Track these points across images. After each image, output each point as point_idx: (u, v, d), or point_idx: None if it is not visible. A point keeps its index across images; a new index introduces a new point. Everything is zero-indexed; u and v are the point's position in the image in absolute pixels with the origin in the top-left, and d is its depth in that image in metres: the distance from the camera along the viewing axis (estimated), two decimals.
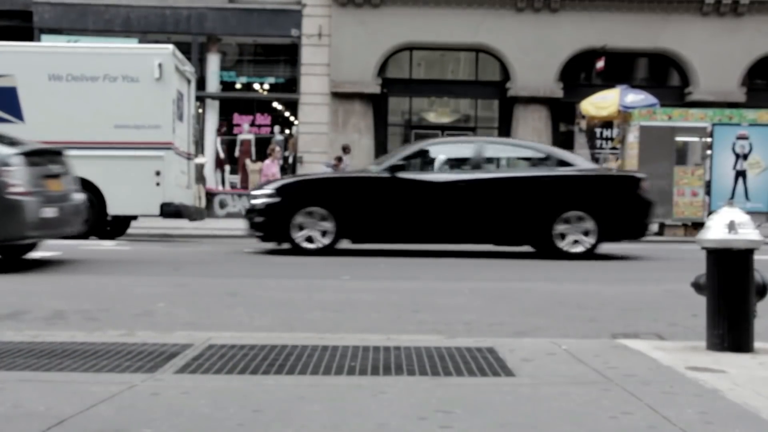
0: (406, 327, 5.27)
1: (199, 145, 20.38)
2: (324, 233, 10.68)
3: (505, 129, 23.05)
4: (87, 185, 13.49)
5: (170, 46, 14.25)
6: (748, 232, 3.98)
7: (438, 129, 23.48)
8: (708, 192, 16.46)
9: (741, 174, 16.65)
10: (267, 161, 18.42)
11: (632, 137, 16.91)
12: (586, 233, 10.74)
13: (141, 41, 21.25)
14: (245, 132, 23.28)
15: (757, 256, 4.06)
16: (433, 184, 10.91)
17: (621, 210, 10.96)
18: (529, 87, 22.31)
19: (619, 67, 22.55)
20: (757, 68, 22.84)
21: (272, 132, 23.19)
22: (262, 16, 22.60)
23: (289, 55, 23.38)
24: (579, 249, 10.73)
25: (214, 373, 3.55)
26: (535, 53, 22.11)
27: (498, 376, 3.53)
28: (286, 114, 24.21)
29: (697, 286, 4.20)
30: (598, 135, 23.34)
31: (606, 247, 11.19)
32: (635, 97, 17.93)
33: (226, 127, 23.46)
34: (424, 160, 11.48)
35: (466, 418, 2.84)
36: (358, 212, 10.77)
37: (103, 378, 3.43)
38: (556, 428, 2.75)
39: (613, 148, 21.71)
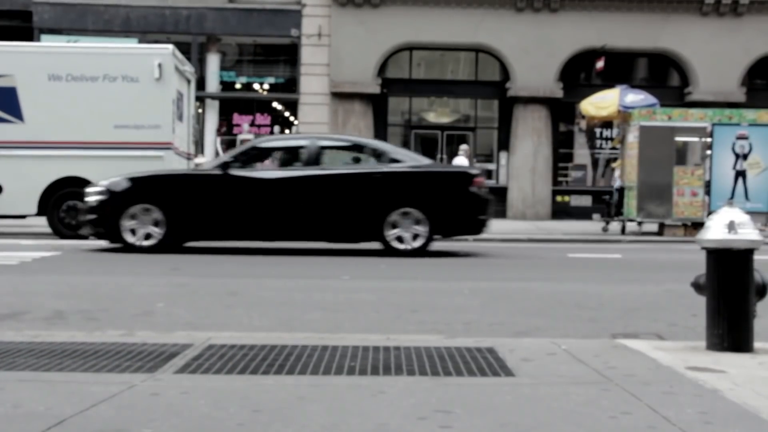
0: (405, 327, 5.27)
1: (199, 145, 20.39)
2: (156, 230, 10.60)
3: (504, 129, 23.05)
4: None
5: (170, 46, 14.24)
6: (748, 232, 3.99)
7: (438, 129, 23.48)
8: (708, 192, 16.46)
9: (741, 174, 16.64)
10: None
11: (632, 137, 16.90)
12: (417, 231, 10.68)
13: (141, 41, 21.24)
14: (245, 132, 23.26)
15: (756, 256, 4.07)
16: (265, 181, 10.87)
17: (452, 206, 10.86)
18: (528, 87, 22.30)
19: (619, 67, 22.54)
20: (756, 68, 22.84)
21: (272, 132, 23.17)
22: (261, 16, 22.60)
23: (289, 55, 23.37)
24: (411, 245, 10.66)
25: (213, 373, 3.55)
26: (535, 53, 22.11)
27: (498, 376, 3.54)
28: (286, 114, 24.20)
29: (696, 286, 4.20)
30: (598, 135, 23.33)
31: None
32: (635, 97, 17.91)
33: (226, 127, 23.46)
34: (258, 157, 11.46)
35: (466, 418, 2.84)
36: (190, 210, 10.72)
37: (103, 378, 3.43)
38: (556, 428, 2.75)
39: (613, 148, 21.71)
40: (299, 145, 11.64)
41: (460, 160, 18.18)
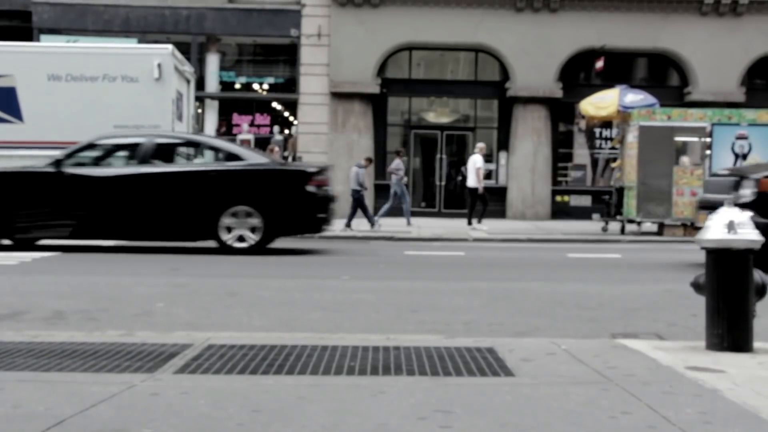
0: (405, 327, 5.27)
1: None
2: None
3: (504, 129, 23.04)
4: None
5: (169, 46, 14.24)
6: (748, 232, 3.99)
7: (437, 129, 23.46)
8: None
9: None
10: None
11: (631, 137, 16.89)
12: (253, 228, 10.57)
13: (140, 41, 21.23)
14: (244, 132, 23.26)
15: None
16: (98, 179, 10.72)
17: (288, 205, 10.71)
18: (528, 87, 22.29)
19: (619, 67, 22.52)
20: (756, 68, 22.82)
21: (271, 132, 23.17)
22: (261, 16, 22.59)
23: (289, 55, 23.36)
24: (245, 244, 10.55)
25: (213, 373, 3.55)
26: (535, 53, 22.09)
27: (498, 376, 3.54)
28: (286, 114, 24.20)
29: (696, 286, 4.20)
30: (597, 135, 23.32)
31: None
32: (634, 97, 17.89)
33: (226, 127, 23.45)
34: (96, 154, 11.25)
35: (466, 418, 2.84)
36: (22, 208, 10.54)
37: (103, 378, 3.43)
38: (555, 428, 2.75)
39: (613, 148, 21.70)
40: (136, 142, 11.36)
41: (476, 158, 18.23)
